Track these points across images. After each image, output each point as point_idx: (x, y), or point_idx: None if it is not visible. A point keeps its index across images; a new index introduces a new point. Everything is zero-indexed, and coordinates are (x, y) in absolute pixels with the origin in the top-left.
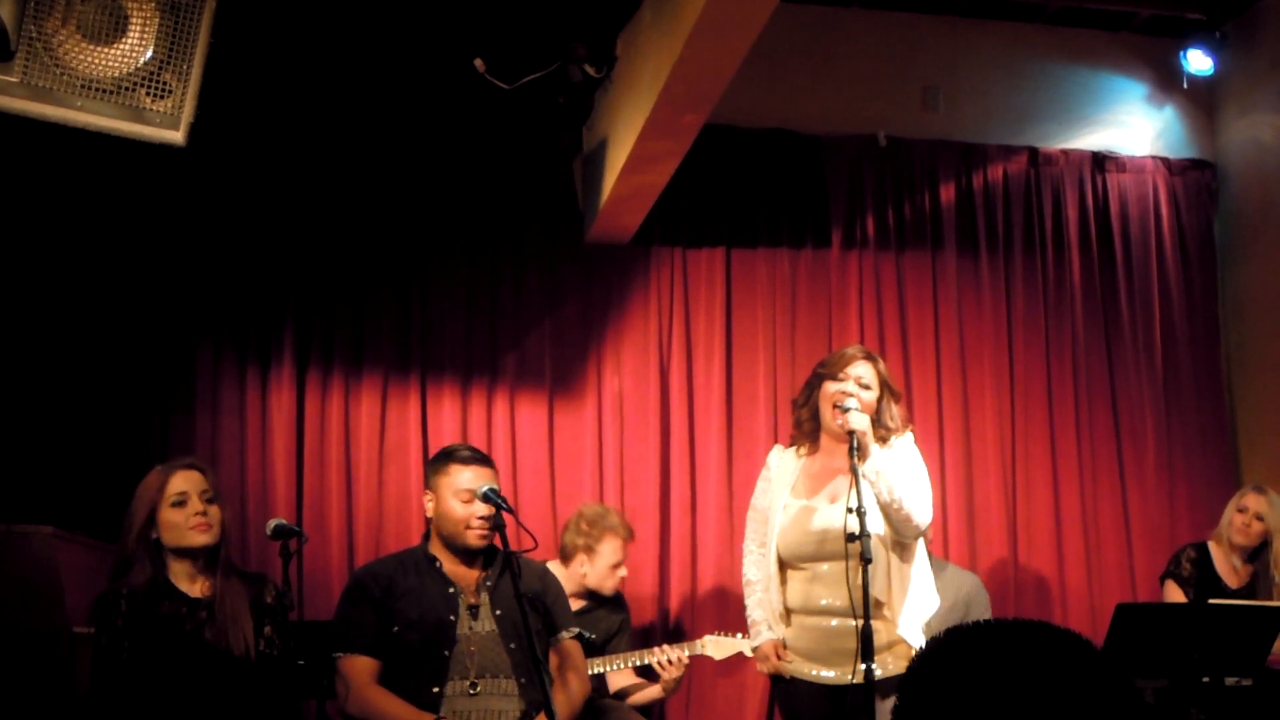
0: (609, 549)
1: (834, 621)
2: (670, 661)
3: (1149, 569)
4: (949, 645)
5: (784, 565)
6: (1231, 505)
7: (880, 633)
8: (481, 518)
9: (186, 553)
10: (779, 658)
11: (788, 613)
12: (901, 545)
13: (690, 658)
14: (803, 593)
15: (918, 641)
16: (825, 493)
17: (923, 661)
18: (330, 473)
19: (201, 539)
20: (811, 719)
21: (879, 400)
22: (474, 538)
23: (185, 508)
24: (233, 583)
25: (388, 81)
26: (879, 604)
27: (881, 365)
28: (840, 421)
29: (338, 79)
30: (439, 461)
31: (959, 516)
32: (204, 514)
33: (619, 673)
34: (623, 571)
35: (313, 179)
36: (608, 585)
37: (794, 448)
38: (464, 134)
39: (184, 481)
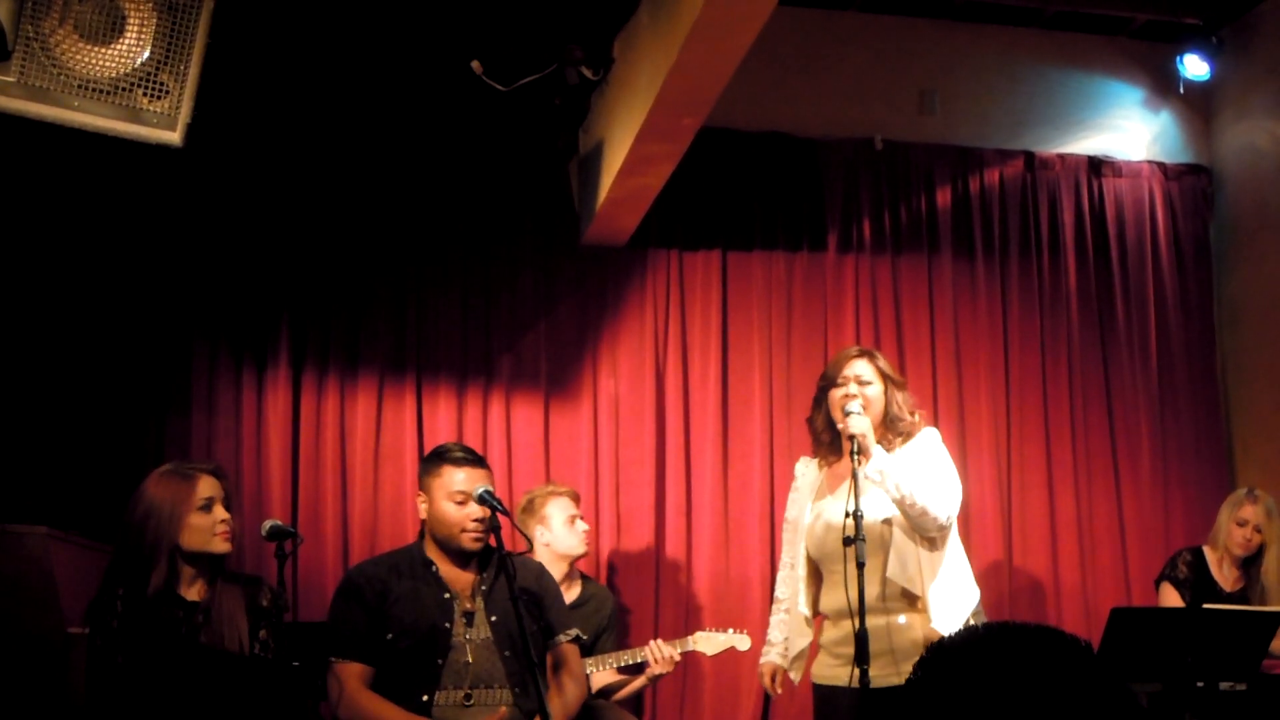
0: (556, 506)
1: (872, 622)
2: (661, 657)
3: (1144, 572)
4: (954, 649)
5: (819, 569)
6: (1226, 515)
7: (915, 628)
8: (476, 520)
9: (199, 558)
10: (774, 683)
11: (817, 617)
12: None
13: (682, 654)
14: (839, 595)
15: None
16: (841, 490)
17: (927, 665)
18: (325, 474)
19: (224, 547)
20: None
21: (885, 394)
22: (468, 540)
23: (212, 513)
24: (229, 586)
25: (385, 83)
26: (913, 598)
27: (880, 360)
28: (841, 426)
29: (335, 80)
30: (431, 462)
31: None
32: (228, 521)
33: (603, 671)
34: (582, 525)
35: (309, 180)
36: (574, 542)
37: (817, 458)
38: (460, 136)
39: (210, 487)
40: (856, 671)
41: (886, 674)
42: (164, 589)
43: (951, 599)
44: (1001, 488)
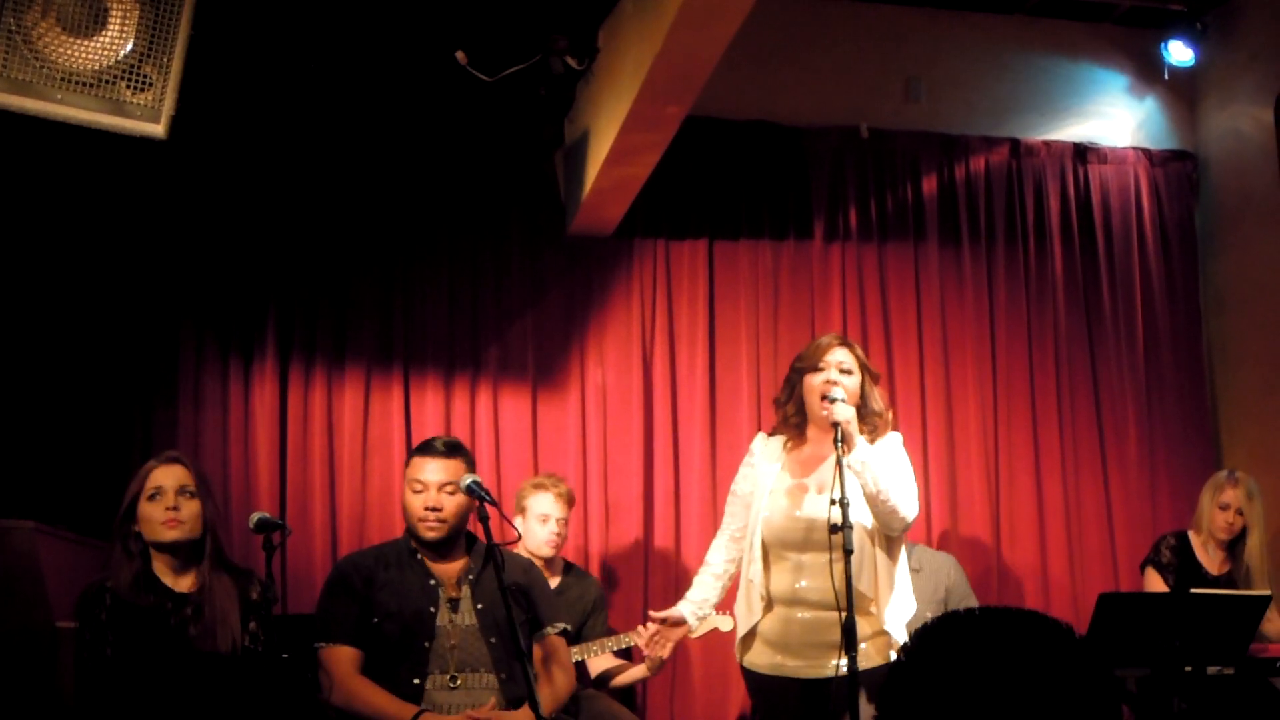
0: (536, 502)
1: (816, 614)
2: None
3: (1131, 558)
4: (939, 632)
5: (767, 553)
6: (1208, 498)
7: (862, 625)
8: (428, 508)
9: (163, 547)
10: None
11: (770, 602)
12: (888, 541)
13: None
14: (786, 583)
15: (902, 637)
16: (813, 480)
17: (913, 648)
18: (313, 466)
19: (170, 535)
20: (786, 715)
21: (861, 384)
22: (424, 529)
23: (158, 502)
24: (221, 579)
25: (370, 74)
26: (866, 600)
27: (858, 349)
28: (826, 413)
29: (319, 71)
30: (410, 455)
31: (942, 506)
32: (175, 509)
33: (598, 656)
34: (553, 526)
35: (294, 171)
36: (539, 540)
37: (779, 437)
38: (446, 126)
39: (162, 476)
40: (794, 660)
41: (823, 665)
42: (140, 581)
43: (900, 605)
44: (989, 475)
